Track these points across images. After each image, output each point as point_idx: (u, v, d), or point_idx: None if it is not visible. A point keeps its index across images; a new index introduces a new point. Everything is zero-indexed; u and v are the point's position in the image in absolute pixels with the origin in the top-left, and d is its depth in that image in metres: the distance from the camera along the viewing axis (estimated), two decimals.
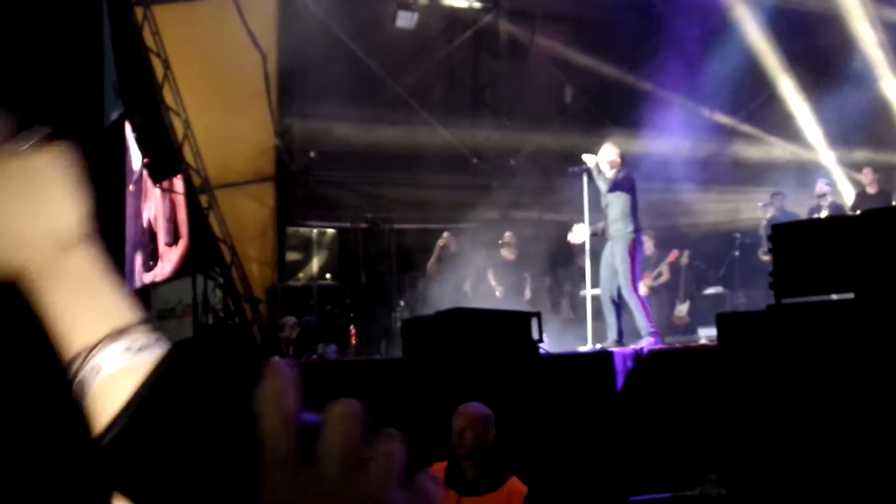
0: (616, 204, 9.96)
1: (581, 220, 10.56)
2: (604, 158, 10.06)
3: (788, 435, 4.26)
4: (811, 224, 5.00)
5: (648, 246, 13.12)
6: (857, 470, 3.92)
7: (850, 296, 4.45)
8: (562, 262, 14.43)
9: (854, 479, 3.93)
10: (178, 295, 15.70)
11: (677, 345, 10.47)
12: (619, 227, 9.87)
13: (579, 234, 10.32)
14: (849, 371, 4.09)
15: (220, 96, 14.87)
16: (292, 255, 15.33)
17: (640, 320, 9.77)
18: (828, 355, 4.22)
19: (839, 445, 4.04)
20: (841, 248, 4.47)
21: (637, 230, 9.88)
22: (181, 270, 16.30)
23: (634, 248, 9.84)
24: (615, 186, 9.87)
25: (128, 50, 15.17)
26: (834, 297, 4.67)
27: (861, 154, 16.29)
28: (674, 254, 14.43)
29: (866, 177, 13.58)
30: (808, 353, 4.32)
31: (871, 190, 13.39)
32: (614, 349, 8.68)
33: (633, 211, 9.92)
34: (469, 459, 4.90)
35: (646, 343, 9.47)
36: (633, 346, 9.00)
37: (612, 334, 10.00)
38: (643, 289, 11.41)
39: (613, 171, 9.98)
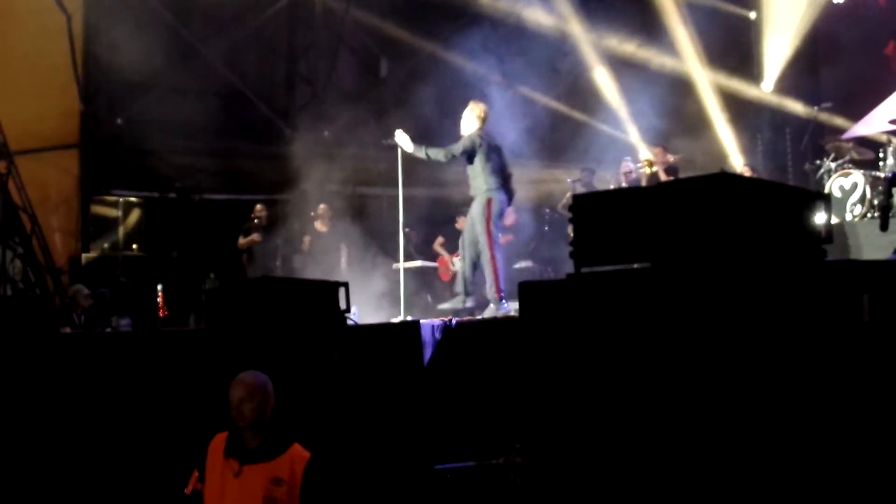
0: (473, 163, 9.81)
1: (396, 194, 10.43)
2: (469, 116, 9.91)
3: (583, 402, 4.33)
4: (609, 195, 5.09)
5: None
6: (648, 437, 4.02)
7: (647, 265, 4.53)
8: (377, 236, 14.38)
9: (646, 446, 4.02)
10: None
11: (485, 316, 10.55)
12: (476, 184, 9.77)
13: (403, 139, 9.88)
14: (643, 337, 4.18)
15: (23, 60, 14.20)
16: (97, 226, 14.81)
17: (489, 283, 9.69)
18: (624, 322, 4.30)
19: (631, 412, 4.13)
20: (637, 219, 4.55)
21: (493, 188, 9.73)
22: None
23: (489, 206, 9.77)
24: (465, 154, 9.69)
25: None
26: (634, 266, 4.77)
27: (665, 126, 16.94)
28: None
29: (657, 155, 14.11)
30: (604, 320, 4.39)
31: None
32: (423, 320, 8.67)
33: (489, 169, 9.77)
34: (249, 430, 4.93)
35: (491, 312, 9.51)
36: (456, 318, 8.91)
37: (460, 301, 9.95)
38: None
39: (463, 141, 9.73)
